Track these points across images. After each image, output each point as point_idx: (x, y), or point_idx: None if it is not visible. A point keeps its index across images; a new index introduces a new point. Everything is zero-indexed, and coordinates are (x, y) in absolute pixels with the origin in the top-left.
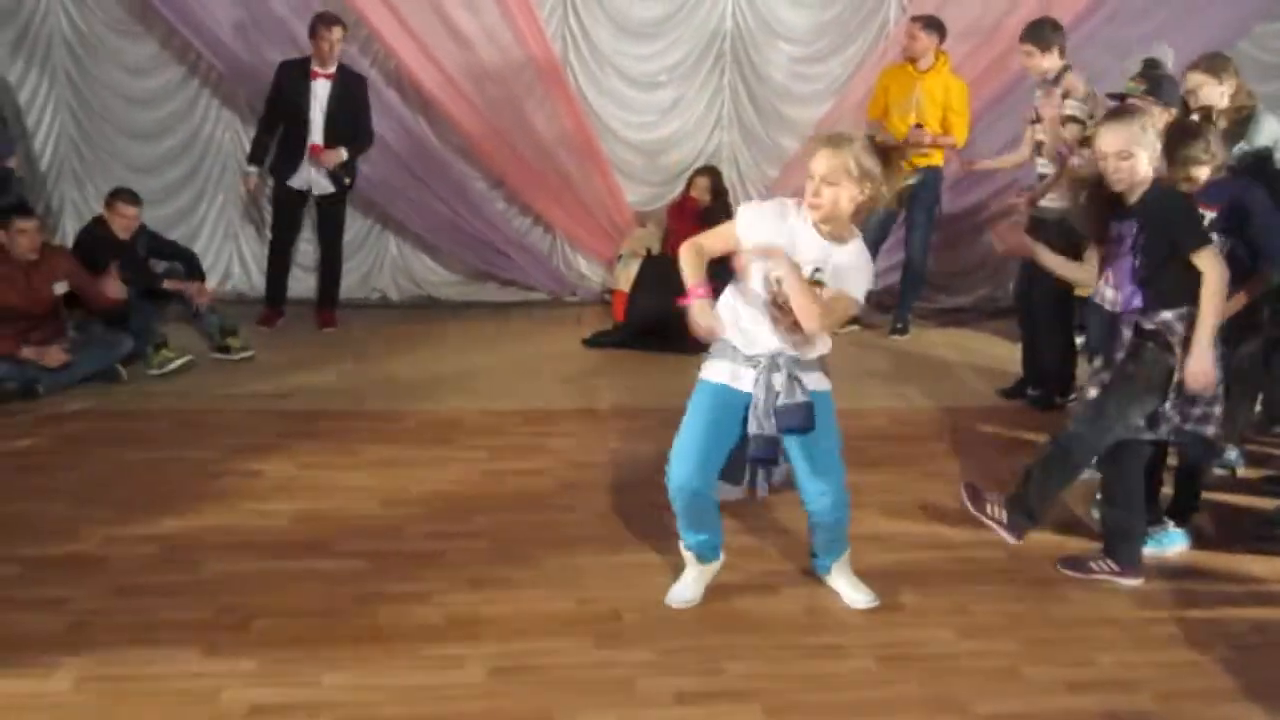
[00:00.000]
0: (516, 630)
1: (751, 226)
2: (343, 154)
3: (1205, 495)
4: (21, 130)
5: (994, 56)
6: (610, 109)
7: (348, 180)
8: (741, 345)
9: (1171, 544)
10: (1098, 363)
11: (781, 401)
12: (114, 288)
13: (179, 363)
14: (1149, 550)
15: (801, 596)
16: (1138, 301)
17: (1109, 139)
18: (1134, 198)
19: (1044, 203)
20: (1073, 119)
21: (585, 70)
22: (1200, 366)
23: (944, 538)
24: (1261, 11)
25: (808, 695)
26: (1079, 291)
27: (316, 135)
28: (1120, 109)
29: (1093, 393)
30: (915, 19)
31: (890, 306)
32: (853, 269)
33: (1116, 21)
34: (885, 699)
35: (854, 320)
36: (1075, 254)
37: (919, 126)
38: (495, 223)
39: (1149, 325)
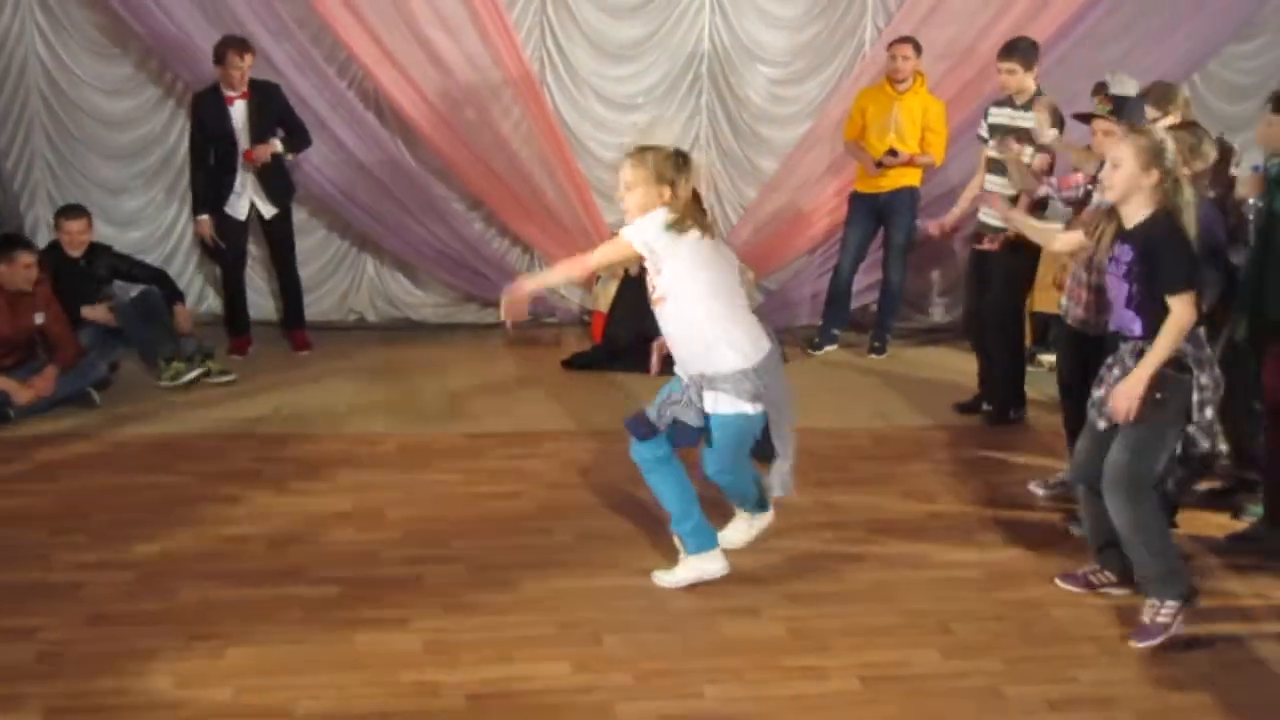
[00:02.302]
0: (495, 656)
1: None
2: (276, 145)
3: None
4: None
5: (970, 77)
6: (588, 130)
7: (290, 155)
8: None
9: None
10: (1097, 393)
11: (679, 416)
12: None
13: (191, 375)
14: None
15: (783, 618)
16: (1137, 329)
17: (1114, 147)
18: (1132, 221)
19: (985, 217)
20: (1043, 147)
21: (563, 91)
22: (1127, 390)
23: (926, 557)
24: (1231, 33)
25: (790, 717)
26: (1033, 307)
27: (254, 166)
28: (1140, 128)
29: (1102, 425)
30: (905, 40)
31: (868, 326)
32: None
33: (1089, 45)
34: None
35: (830, 340)
36: (1024, 264)
37: (893, 152)
38: (473, 244)
39: (1147, 349)
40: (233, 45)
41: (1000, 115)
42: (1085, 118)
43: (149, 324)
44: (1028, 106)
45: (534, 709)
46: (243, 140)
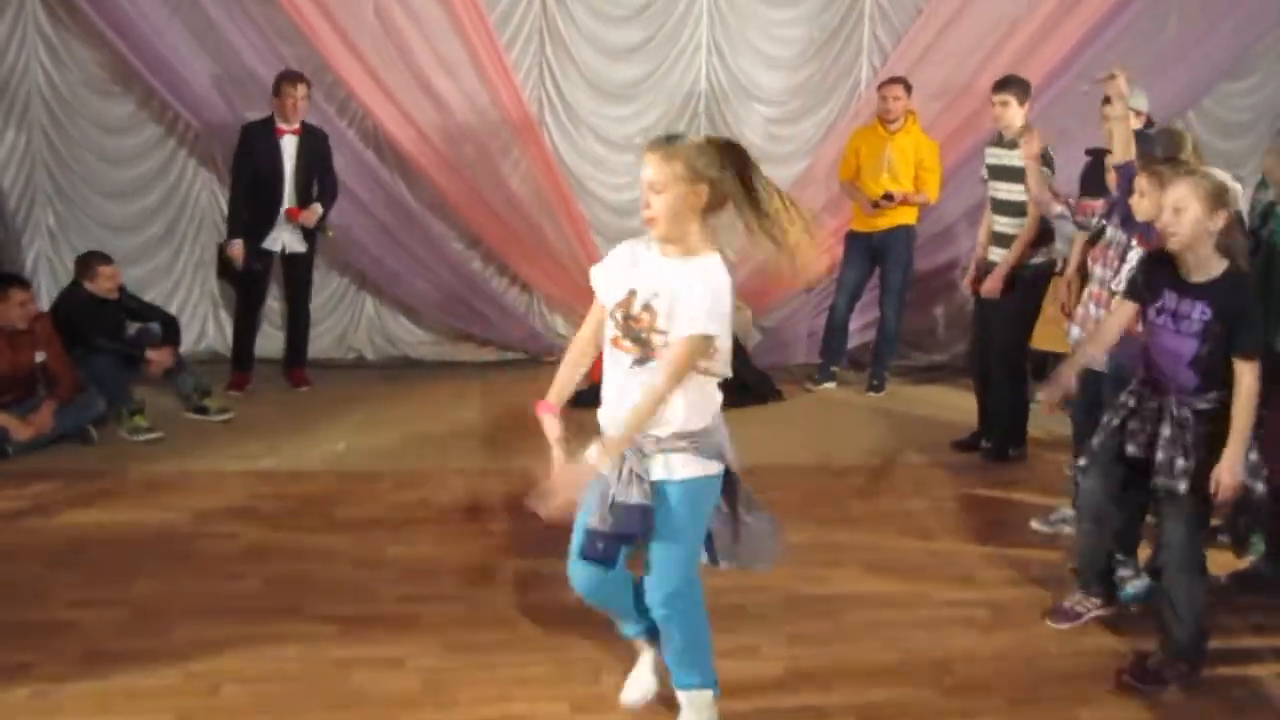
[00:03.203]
0: (493, 695)
1: (603, 289)
2: (318, 210)
3: None
4: None
5: (965, 116)
6: (587, 169)
7: (330, 233)
8: (604, 421)
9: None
10: (1170, 455)
11: (618, 498)
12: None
13: (149, 436)
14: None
15: (781, 658)
16: (1191, 385)
17: (1175, 189)
18: (1202, 274)
19: (993, 256)
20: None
21: (561, 131)
22: (1232, 475)
23: (925, 595)
24: (1225, 71)
25: None
26: (1035, 345)
27: (288, 192)
28: (1179, 164)
29: (1182, 486)
30: (895, 80)
31: (866, 364)
32: (687, 293)
33: (1083, 81)
34: None
35: (828, 378)
36: (1028, 302)
37: (888, 196)
38: (472, 282)
39: (1202, 405)
40: (286, 76)
41: (992, 155)
42: (1097, 152)
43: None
44: (1015, 144)
45: None
46: (288, 176)
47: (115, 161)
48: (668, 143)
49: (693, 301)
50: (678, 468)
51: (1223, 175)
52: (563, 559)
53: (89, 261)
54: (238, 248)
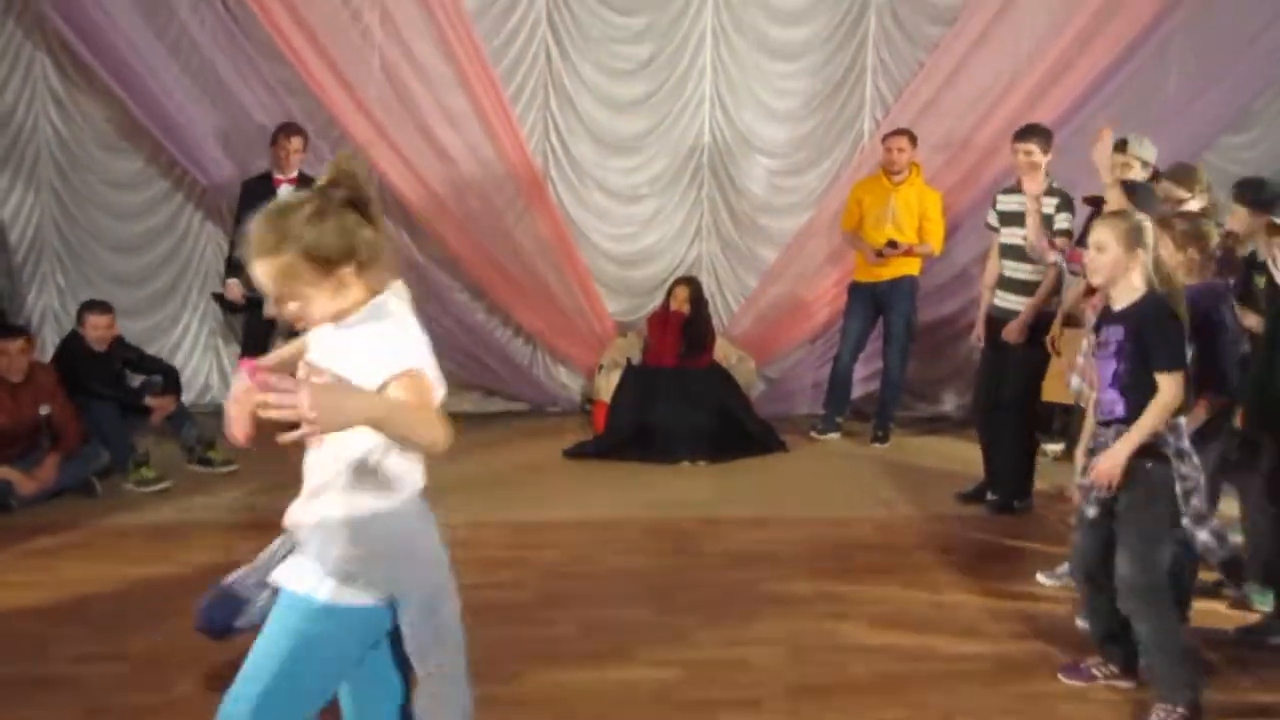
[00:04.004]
0: None
1: None
2: None
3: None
4: (3, 242)
5: (968, 167)
6: (591, 221)
7: None
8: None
9: None
10: (1084, 480)
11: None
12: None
13: (158, 486)
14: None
15: (785, 711)
16: (1120, 410)
17: (1096, 231)
18: (1122, 302)
19: (1010, 305)
20: (1064, 232)
21: (566, 183)
22: (1108, 466)
23: (930, 648)
24: (1226, 125)
25: None
26: (1049, 397)
27: None
28: (1118, 211)
29: (1091, 512)
30: (900, 132)
31: (870, 415)
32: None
33: (1085, 133)
34: None
35: (832, 428)
36: (1042, 352)
37: (892, 244)
38: (477, 333)
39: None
40: (283, 128)
41: (1010, 202)
42: (1095, 201)
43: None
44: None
45: None
46: None
47: (122, 216)
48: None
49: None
50: (307, 581)
51: (1140, 216)
52: (567, 615)
53: (83, 310)
54: (235, 286)
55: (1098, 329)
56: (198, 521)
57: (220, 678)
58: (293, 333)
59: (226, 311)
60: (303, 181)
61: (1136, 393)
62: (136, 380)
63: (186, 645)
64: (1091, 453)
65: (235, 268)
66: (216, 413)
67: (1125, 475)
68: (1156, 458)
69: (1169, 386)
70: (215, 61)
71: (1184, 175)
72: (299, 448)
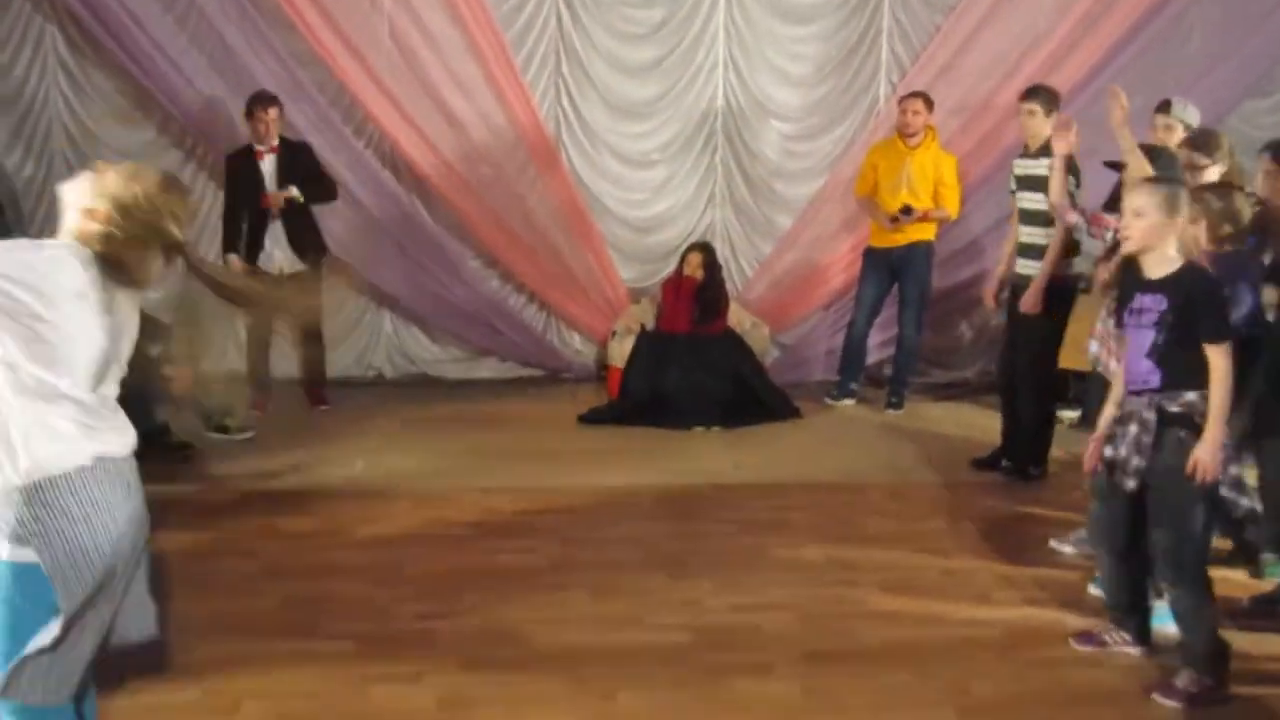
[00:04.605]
0: (507, 713)
1: None
2: (293, 190)
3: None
4: (18, 216)
5: (986, 131)
6: (604, 187)
7: (300, 199)
8: None
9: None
10: (1126, 452)
11: None
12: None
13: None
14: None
15: (797, 676)
16: (1155, 381)
17: (1134, 197)
18: (1158, 271)
19: (1028, 270)
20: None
21: (579, 149)
22: (1209, 457)
23: (942, 615)
24: (1250, 89)
25: None
26: (1066, 364)
27: (274, 212)
28: (1157, 177)
29: (1131, 484)
30: (915, 95)
31: (885, 381)
32: None
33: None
34: None
35: (847, 394)
36: (1063, 317)
37: (907, 209)
38: (490, 300)
39: (1174, 408)
40: (257, 99)
41: (1020, 166)
42: (1115, 165)
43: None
44: (1043, 153)
45: None
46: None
47: None
48: None
49: None
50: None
51: (1177, 184)
52: (580, 580)
53: None
54: (234, 262)
55: (1127, 297)
56: (212, 488)
57: None
58: None
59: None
60: (284, 149)
61: (1174, 364)
62: (153, 350)
63: (205, 609)
64: (1118, 421)
65: (232, 242)
66: (234, 380)
67: (1160, 447)
68: (1191, 428)
69: (1221, 357)
70: (224, 32)
71: (1205, 141)
72: None
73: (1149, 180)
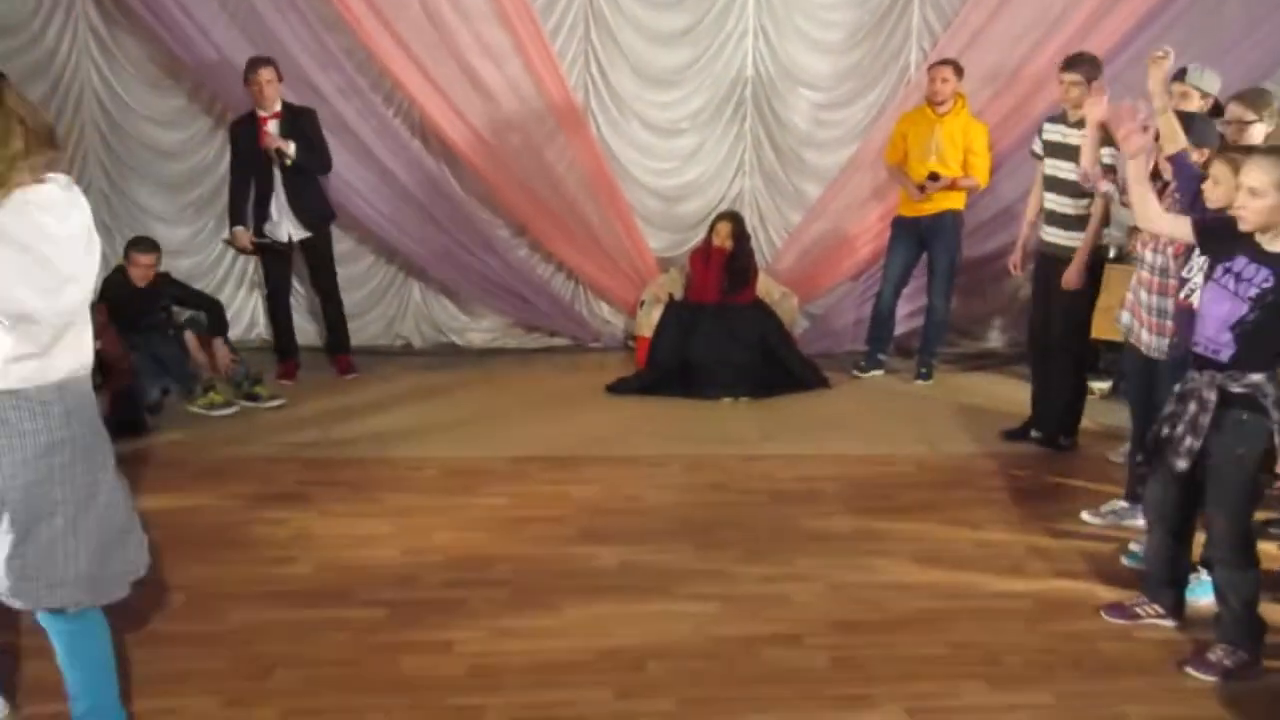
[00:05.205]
0: (538, 680)
1: None
2: (290, 145)
3: None
4: None
5: (1017, 100)
6: (632, 155)
7: (289, 161)
8: None
9: (1205, 594)
10: (1183, 431)
11: None
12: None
13: (226, 411)
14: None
15: (825, 647)
16: (1225, 354)
17: (1252, 172)
18: (1274, 245)
19: (1057, 239)
20: (1108, 167)
21: (607, 117)
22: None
23: (973, 586)
24: None
25: None
26: (1096, 334)
27: (277, 174)
28: (1274, 149)
29: (1182, 464)
30: (944, 62)
31: (914, 352)
32: None
33: (1141, 63)
34: None
35: (875, 365)
36: (1094, 287)
37: (933, 176)
38: (518, 270)
39: (1237, 389)
40: (250, 64)
41: (1054, 132)
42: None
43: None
44: (1081, 124)
45: None
46: (275, 162)
47: (166, 154)
48: None
49: None
50: None
51: None
52: (608, 549)
53: (128, 247)
54: (241, 235)
55: (1226, 251)
56: (245, 456)
57: None
58: None
59: (240, 254)
60: (288, 113)
61: (1254, 344)
62: (184, 315)
63: (237, 575)
64: (1178, 399)
65: (238, 214)
66: (263, 349)
67: (1220, 428)
68: (1254, 408)
69: None
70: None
71: (1255, 98)
72: None
73: (1264, 154)
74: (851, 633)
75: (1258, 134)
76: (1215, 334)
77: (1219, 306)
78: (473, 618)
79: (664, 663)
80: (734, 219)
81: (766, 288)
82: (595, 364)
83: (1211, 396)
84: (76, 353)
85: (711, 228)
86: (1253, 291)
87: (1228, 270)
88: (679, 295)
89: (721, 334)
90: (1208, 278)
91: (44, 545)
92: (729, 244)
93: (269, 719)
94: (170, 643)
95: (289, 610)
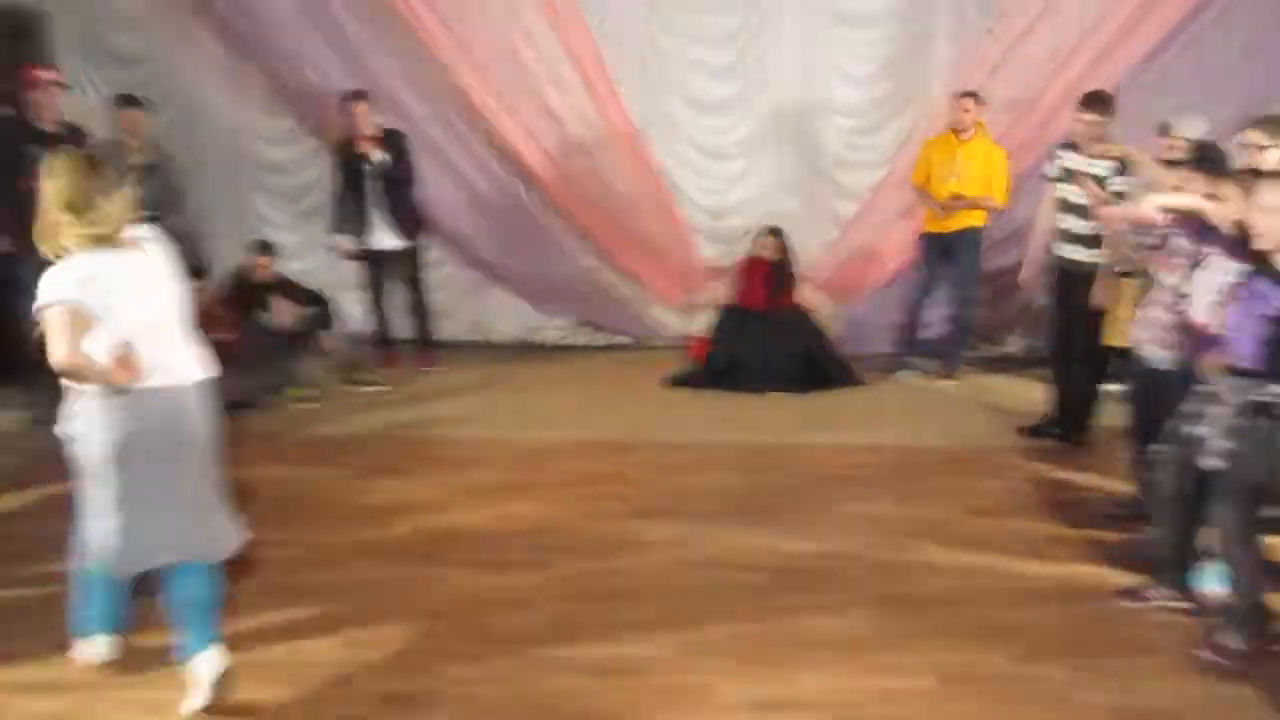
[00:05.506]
0: (610, 636)
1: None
2: (377, 153)
3: None
4: (177, 199)
5: (1031, 128)
6: (686, 176)
7: (384, 163)
8: None
9: (1214, 581)
10: (1209, 431)
11: None
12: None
13: (328, 396)
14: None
15: (865, 618)
16: (1253, 365)
17: (1266, 193)
18: None
19: (1075, 255)
20: (1120, 194)
21: (664, 142)
22: None
23: (995, 567)
24: None
25: (874, 708)
26: (1106, 341)
27: (373, 194)
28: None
29: (1212, 463)
30: (968, 94)
31: (940, 355)
32: None
33: (1151, 92)
34: (945, 715)
35: (904, 366)
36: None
37: (957, 197)
38: (585, 275)
39: (1261, 398)
40: (345, 97)
41: (1066, 159)
42: (1172, 163)
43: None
44: (1096, 156)
45: (642, 687)
46: (370, 177)
47: (278, 170)
48: None
49: None
50: None
51: None
52: (667, 523)
53: (248, 251)
54: (343, 241)
55: (1241, 268)
56: (353, 433)
57: None
58: None
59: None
60: (383, 134)
61: (1276, 364)
62: (295, 309)
63: (347, 536)
64: (1204, 401)
65: (339, 224)
66: (365, 342)
67: (1239, 433)
68: (1272, 418)
69: None
70: (356, 40)
71: (1271, 122)
72: None
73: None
74: (888, 605)
75: (1272, 159)
76: (1244, 345)
77: (1246, 322)
78: (550, 580)
79: (720, 625)
80: (776, 232)
81: (806, 294)
82: (653, 360)
83: (1237, 402)
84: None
85: (757, 240)
86: (1267, 310)
87: (1250, 288)
88: (728, 300)
89: (766, 335)
90: (1233, 296)
91: None
92: (772, 255)
93: (377, 659)
94: (293, 592)
95: (392, 567)
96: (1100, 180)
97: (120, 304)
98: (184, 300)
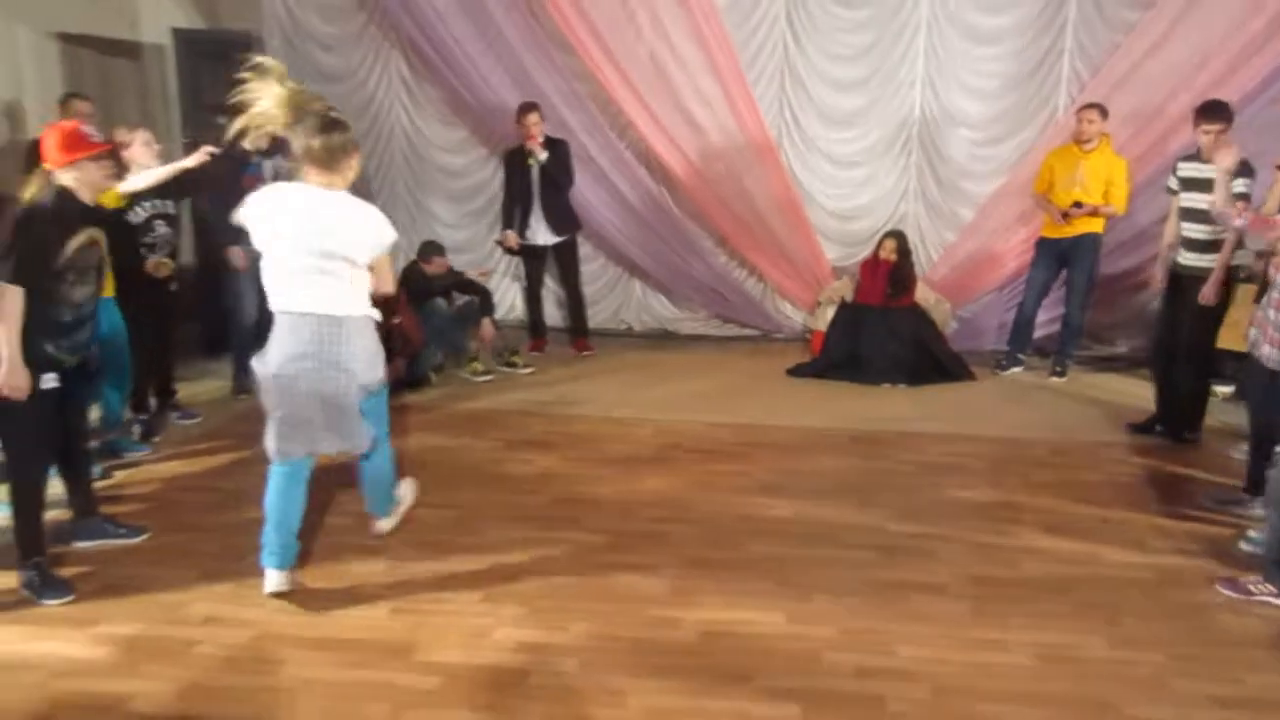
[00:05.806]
0: (724, 603)
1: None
2: (543, 153)
3: None
4: (367, 196)
5: (1155, 138)
6: (815, 183)
7: (540, 160)
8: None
9: None
10: None
11: None
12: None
13: (485, 378)
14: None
15: (966, 596)
16: None
17: None
18: None
19: (1192, 262)
20: (1241, 196)
21: (795, 151)
22: None
23: (1098, 556)
24: None
25: (971, 681)
26: (1222, 344)
27: (535, 191)
28: None
29: None
30: (1092, 105)
31: (1050, 353)
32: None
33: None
34: (1042, 692)
35: (1015, 363)
36: (1224, 302)
37: (1077, 204)
38: (719, 272)
39: None
40: (520, 108)
41: (1189, 169)
42: None
43: (464, 327)
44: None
45: (753, 650)
46: (535, 180)
47: (452, 174)
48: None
49: None
50: None
51: None
52: (784, 500)
53: (426, 251)
54: (509, 236)
55: None
56: (503, 409)
57: None
58: None
59: (507, 254)
60: (549, 144)
61: None
62: (462, 300)
63: (494, 501)
64: None
65: (507, 222)
66: (519, 326)
67: None
68: None
69: None
70: (522, 56)
71: None
72: None
73: None
74: (988, 586)
75: None
76: None
77: None
78: (674, 548)
79: (828, 597)
80: (898, 236)
81: (924, 294)
82: (778, 351)
83: None
84: None
85: (879, 243)
86: None
87: None
88: (849, 298)
89: (884, 331)
90: None
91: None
92: (893, 257)
93: (516, 614)
94: (443, 550)
95: (532, 531)
96: (1243, 195)
97: None
98: None
